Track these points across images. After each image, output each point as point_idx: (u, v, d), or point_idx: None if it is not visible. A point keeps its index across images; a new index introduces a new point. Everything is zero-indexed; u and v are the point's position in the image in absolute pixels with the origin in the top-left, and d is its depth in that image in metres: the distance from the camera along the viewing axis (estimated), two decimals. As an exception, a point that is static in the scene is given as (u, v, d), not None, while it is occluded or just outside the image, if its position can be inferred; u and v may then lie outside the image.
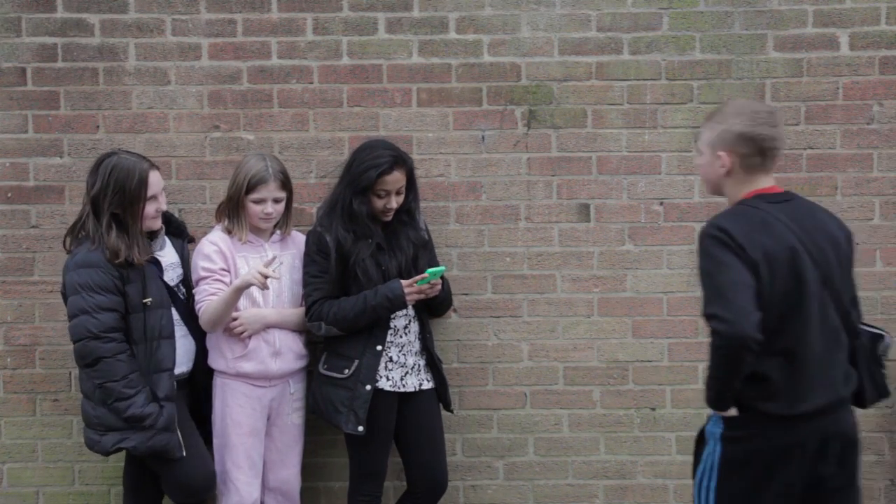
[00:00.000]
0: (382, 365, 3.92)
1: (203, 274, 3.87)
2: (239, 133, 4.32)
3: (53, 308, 4.26)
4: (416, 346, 4.01)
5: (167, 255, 3.92)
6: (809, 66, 4.31)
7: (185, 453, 3.73)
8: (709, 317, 2.85)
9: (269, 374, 3.95)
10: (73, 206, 4.21)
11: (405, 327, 3.98)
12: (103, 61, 4.29)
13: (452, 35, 4.31)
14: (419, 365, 4.01)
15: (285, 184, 3.95)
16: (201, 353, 3.95)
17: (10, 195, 4.31)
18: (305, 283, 3.96)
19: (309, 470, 4.22)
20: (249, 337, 3.91)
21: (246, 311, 3.90)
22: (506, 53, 4.31)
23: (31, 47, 4.28)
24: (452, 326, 4.37)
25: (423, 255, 4.02)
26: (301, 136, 4.32)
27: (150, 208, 3.75)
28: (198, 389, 3.99)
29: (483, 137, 4.34)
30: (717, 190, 3.14)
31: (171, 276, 3.90)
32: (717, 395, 2.94)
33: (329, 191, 4.06)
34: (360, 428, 3.85)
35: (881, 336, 3.11)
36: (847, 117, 4.31)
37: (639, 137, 4.33)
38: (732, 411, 2.96)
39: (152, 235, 3.86)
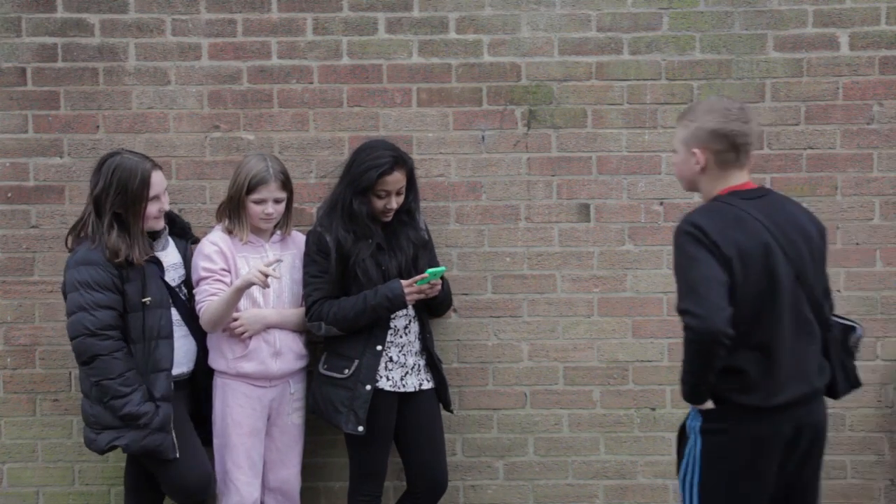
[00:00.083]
0: (382, 365, 3.92)
1: (203, 274, 3.86)
2: (239, 133, 4.32)
3: (53, 308, 4.27)
4: (416, 346, 4.01)
5: (169, 255, 3.91)
6: (809, 66, 4.31)
7: (178, 455, 3.72)
8: (681, 312, 2.90)
9: (269, 375, 3.95)
10: (73, 206, 4.22)
11: (405, 327, 3.98)
12: (103, 61, 4.28)
13: (452, 35, 4.31)
14: (419, 365, 4.01)
15: (286, 184, 3.95)
16: (202, 354, 3.95)
17: (10, 195, 4.31)
18: (305, 283, 3.96)
19: (309, 470, 4.22)
20: (250, 337, 3.91)
21: (246, 311, 3.90)
22: (506, 53, 4.31)
23: (31, 47, 4.28)
24: (452, 326, 4.37)
25: (423, 255, 4.02)
26: (301, 136, 4.32)
27: (152, 208, 3.74)
28: (198, 390, 3.99)
29: (483, 137, 4.34)
30: (692, 187, 3.20)
31: (173, 276, 3.89)
32: (691, 388, 2.99)
33: (329, 191, 4.06)
34: (360, 428, 3.85)
35: (853, 328, 3.17)
36: (847, 117, 4.31)
37: (639, 137, 4.33)
38: (709, 404, 3.00)
39: (155, 235, 3.85)
